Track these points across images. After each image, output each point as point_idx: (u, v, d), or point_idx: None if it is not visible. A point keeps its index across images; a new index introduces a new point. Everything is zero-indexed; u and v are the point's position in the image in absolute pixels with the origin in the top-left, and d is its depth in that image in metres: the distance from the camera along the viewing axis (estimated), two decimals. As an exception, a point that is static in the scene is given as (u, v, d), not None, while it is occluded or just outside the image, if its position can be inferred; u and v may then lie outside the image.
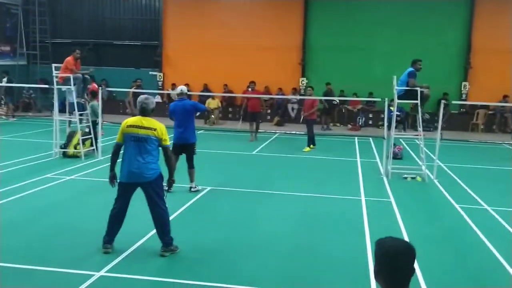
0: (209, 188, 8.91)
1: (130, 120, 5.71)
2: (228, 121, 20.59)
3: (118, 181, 5.73)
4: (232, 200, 8.46)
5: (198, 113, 8.35)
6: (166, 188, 5.97)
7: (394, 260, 2.20)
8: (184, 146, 8.58)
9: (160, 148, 5.70)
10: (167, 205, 5.78)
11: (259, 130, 15.93)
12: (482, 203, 8.59)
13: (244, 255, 5.90)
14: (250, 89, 16.01)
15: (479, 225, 7.22)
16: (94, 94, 12.43)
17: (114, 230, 5.75)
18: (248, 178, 10.17)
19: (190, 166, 8.63)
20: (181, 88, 8.90)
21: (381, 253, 2.23)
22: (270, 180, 10.05)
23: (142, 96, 5.78)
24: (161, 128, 5.64)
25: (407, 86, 10.28)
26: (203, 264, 5.53)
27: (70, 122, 12.68)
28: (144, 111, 5.68)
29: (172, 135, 8.04)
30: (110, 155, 5.86)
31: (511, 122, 18.64)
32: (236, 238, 6.47)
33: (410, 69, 10.45)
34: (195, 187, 8.70)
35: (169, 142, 5.77)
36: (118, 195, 5.75)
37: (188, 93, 19.55)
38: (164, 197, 5.76)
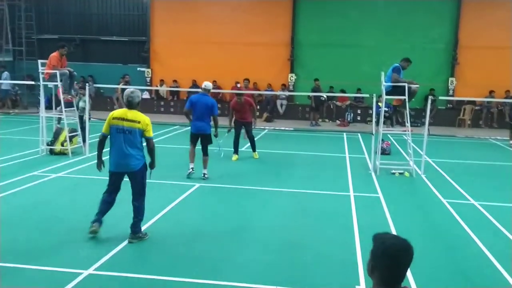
0: (198, 185, 8.88)
1: (116, 112, 6.02)
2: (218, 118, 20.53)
3: (108, 170, 6.05)
4: (221, 196, 8.45)
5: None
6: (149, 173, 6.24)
7: (395, 258, 2.23)
8: (202, 136, 9.45)
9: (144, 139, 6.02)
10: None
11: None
12: (469, 197, 8.69)
13: (233, 251, 5.89)
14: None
15: (466, 220, 7.30)
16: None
17: (104, 210, 6.05)
18: (237, 175, 10.16)
19: (205, 153, 9.44)
20: (206, 84, 9.55)
21: (382, 250, 2.23)
22: (260, 176, 10.06)
23: (128, 90, 6.12)
24: (144, 121, 5.95)
25: (391, 81, 10.35)
26: (192, 261, 5.51)
27: (60, 119, 12.55)
28: (130, 104, 5.97)
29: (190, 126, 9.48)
30: (97, 145, 6.20)
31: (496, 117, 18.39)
32: (225, 234, 6.46)
33: (396, 64, 10.51)
34: (206, 174, 9.37)
35: (152, 133, 6.06)
36: (108, 182, 6.10)
37: (177, 89, 19.38)
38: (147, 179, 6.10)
